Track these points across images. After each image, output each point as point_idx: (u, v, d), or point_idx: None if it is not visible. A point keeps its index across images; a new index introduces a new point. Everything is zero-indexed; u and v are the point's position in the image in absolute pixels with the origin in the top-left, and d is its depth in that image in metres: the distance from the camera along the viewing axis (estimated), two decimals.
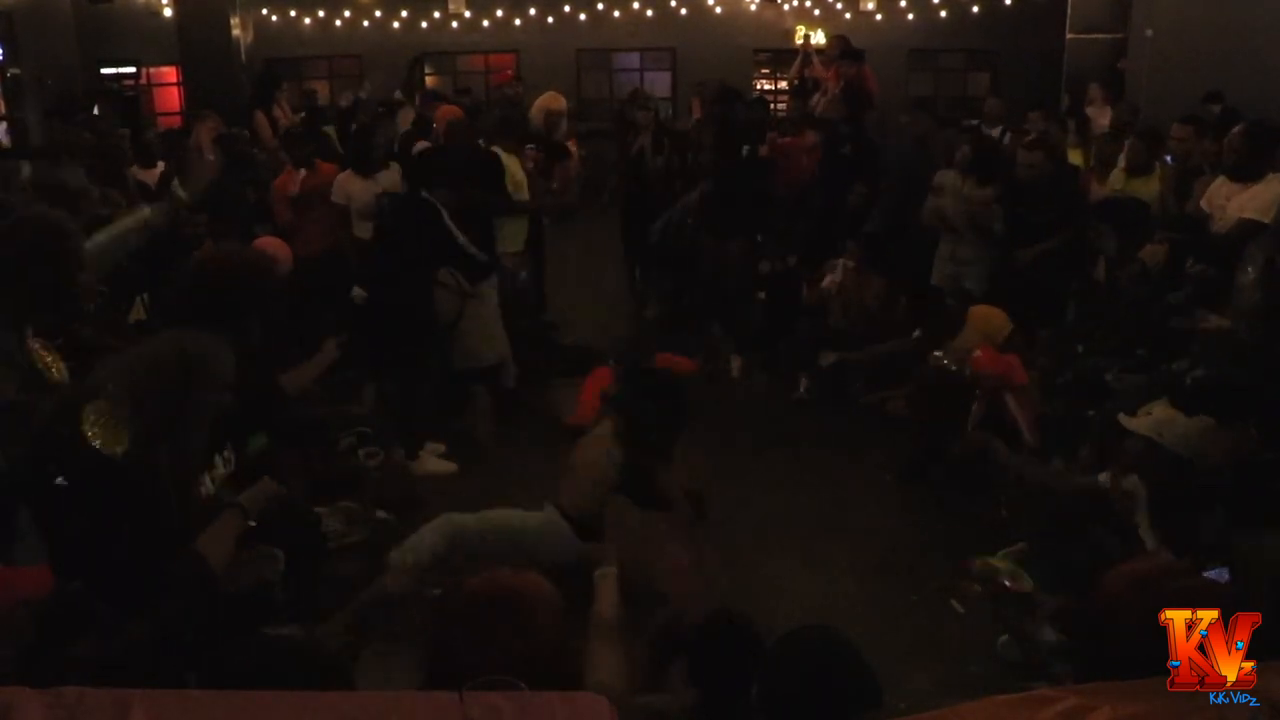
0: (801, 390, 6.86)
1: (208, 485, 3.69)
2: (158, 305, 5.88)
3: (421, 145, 7.29)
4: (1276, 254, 5.27)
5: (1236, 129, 5.69)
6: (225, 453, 3.90)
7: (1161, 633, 1.69)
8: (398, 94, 11.17)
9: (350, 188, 6.75)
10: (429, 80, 15.35)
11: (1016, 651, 3.92)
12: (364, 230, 6.62)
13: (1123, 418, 4.07)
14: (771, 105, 11.93)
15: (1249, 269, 5.15)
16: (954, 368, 5.66)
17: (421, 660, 1.84)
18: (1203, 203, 5.69)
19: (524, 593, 1.81)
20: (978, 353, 5.39)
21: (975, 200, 6.32)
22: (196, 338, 3.34)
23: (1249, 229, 5.33)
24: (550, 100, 8.13)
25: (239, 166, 7.99)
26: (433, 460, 5.68)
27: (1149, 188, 6.60)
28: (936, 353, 5.79)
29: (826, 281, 7.13)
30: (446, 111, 8.06)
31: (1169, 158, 7.11)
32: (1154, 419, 3.96)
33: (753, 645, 2.68)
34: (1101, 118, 9.83)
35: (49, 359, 4.07)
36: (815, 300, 7.16)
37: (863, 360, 6.62)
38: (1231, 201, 5.52)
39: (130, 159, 8.41)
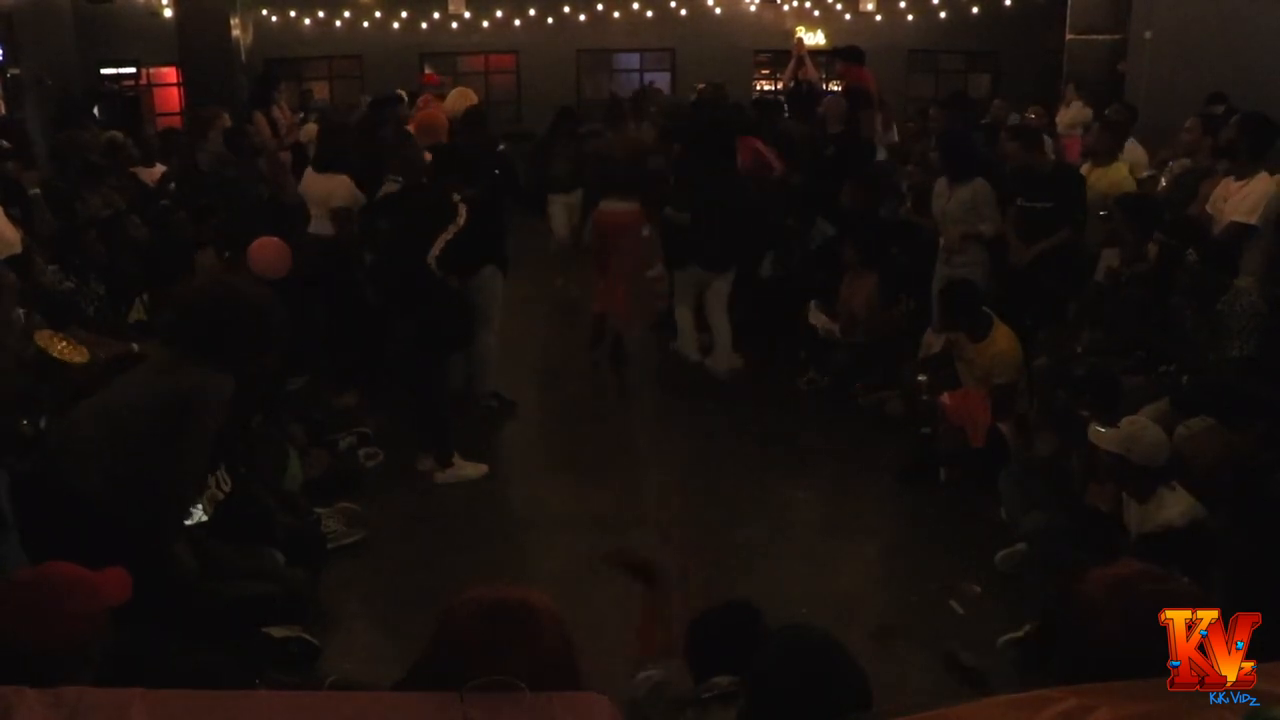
0: (804, 383, 6.93)
1: (199, 514, 3.70)
2: (158, 306, 5.89)
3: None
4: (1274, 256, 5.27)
5: (1233, 119, 5.69)
6: (220, 473, 3.89)
7: (1138, 635, 1.70)
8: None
9: (312, 187, 6.77)
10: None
11: (1017, 652, 3.92)
12: (321, 227, 6.67)
13: (1093, 432, 4.05)
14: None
15: (1244, 273, 5.13)
16: (925, 396, 5.75)
17: (420, 666, 1.83)
18: (1208, 206, 5.68)
19: (529, 604, 1.81)
20: (946, 398, 5.49)
21: (957, 203, 6.31)
22: (191, 374, 3.37)
23: (1236, 232, 5.30)
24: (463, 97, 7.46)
25: (251, 166, 7.99)
26: (467, 465, 5.63)
27: (1109, 177, 6.62)
28: (921, 377, 5.89)
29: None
30: (427, 115, 7.39)
31: (1171, 162, 7.12)
32: (1123, 434, 3.94)
33: (748, 630, 2.69)
34: (1075, 116, 9.86)
35: (62, 346, 4.11)
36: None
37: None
38: (1228, 203, 5.50)
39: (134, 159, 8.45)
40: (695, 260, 6.74)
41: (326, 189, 6.68)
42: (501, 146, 7.03)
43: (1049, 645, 3.19)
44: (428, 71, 13.70)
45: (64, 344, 4.29)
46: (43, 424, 3.81)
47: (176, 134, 10.15)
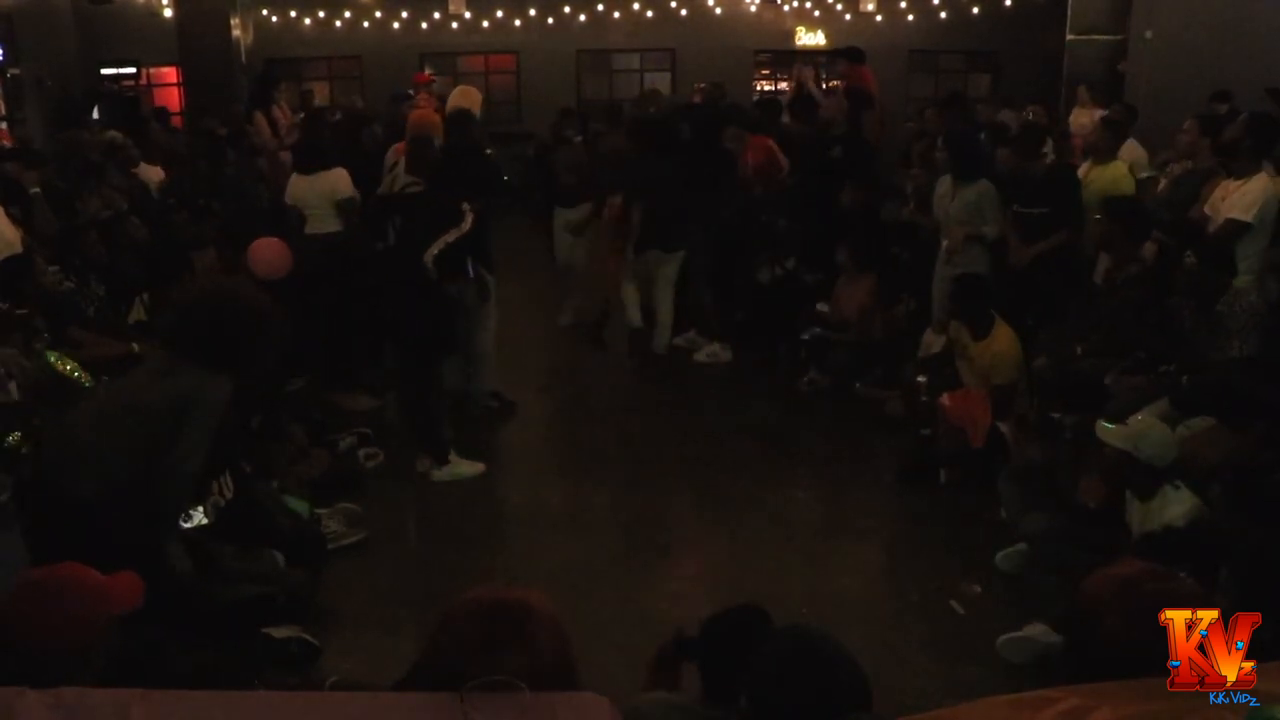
0: (804, 383, 6.92)
1: (199, 518, 3.69)
2: (158, 306, 5.89)
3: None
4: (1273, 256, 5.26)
5: (1240, 118, 5.67)
6: (224, 479, 3.89)
7: (1141, 634, 1.70)
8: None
9: (309, 188, 6.76)
10: None
11: (1016, 651, 3.92)
12: (321, 225, 6.68)
13: (1100, 428, 4.05)
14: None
15: (1242, 273, 5.12)
16: (925, 397, 5.75)
17: (420, 666, 1.83)
18: (1206, 207, 5.67)
19: (528, 604, 1.81)
20: (945, 399, 5.51)
21: (961, 203, 6.32)
22: (190, 375, 3.35)
23: (1232, 229, 5.29)
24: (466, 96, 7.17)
25: (251, 166, 7.99)
26: (464, 463, 5.63)
27: (1106, 175, 6.64)
28: (920, 378, 5.90)
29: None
30: (421, 115, 6.89)
31: (1170, 164, 7.12)
32: (1131, 431, 3.94)
33: (758, 632, 2.64)
34: (1086, 118, 9.87)
35: (68, 367, 4.10)
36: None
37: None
38: (1225, 202, 5.49)
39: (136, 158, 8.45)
40: (651, 244, 7.17)
41: (327, 185, 6.66)
42: (489, 151, 6.95)
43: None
44: (426, 71, 13.71)
45: (72, 367, 4.29)
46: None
47: (179, 134, 10.16)
